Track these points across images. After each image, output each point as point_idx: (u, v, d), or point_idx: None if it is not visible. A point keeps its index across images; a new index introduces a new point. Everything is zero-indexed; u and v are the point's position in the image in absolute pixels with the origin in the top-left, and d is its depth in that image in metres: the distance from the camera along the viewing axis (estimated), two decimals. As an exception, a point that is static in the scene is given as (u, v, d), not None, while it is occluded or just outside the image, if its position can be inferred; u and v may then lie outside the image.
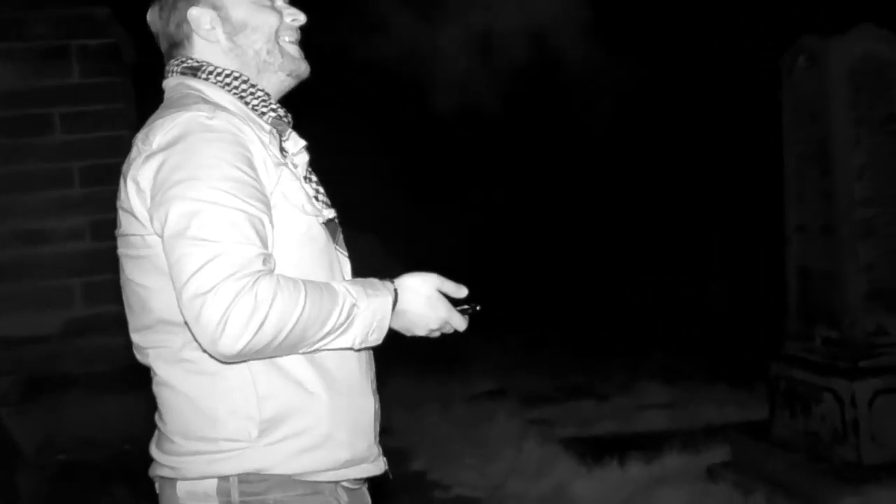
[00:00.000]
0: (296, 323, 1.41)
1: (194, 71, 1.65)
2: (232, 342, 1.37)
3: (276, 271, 1.46)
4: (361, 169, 9.02)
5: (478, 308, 1.65)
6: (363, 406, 1.63)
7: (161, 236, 1.47)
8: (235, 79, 1.64)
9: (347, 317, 1.48)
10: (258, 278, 1.39)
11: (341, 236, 1.68)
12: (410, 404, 5.85)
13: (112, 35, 5.17)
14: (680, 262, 8.71)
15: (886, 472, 3.67)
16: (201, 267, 1.38)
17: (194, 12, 1.64)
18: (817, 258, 4.17)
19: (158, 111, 1.60)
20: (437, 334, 1.65)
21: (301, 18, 1.73)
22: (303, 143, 1.68)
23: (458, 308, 1.63)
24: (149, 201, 1.50)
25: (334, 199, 1.65)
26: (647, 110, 9.07)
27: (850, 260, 3.97)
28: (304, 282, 1.46)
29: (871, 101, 4.05)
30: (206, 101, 1.57)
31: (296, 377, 1.53)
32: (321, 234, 1.60)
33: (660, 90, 8.97)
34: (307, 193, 1.61)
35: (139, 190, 1.51)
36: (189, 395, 1.54)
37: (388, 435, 6.42)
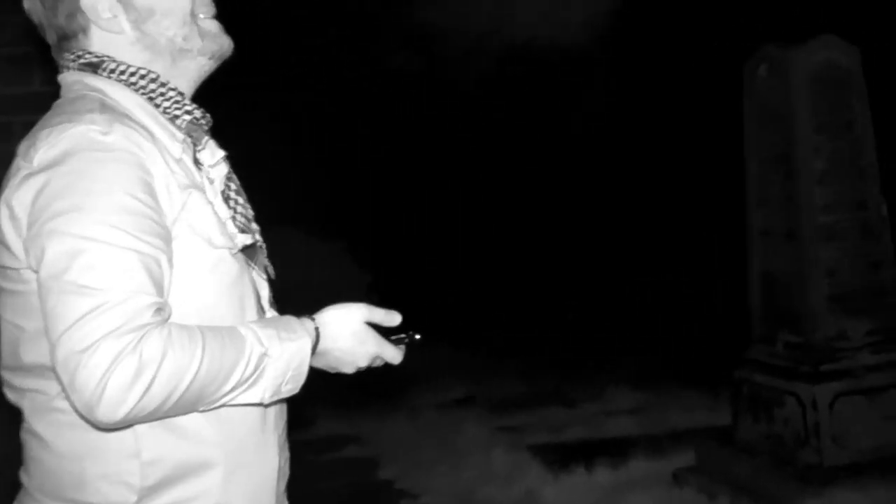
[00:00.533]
0: (191, 382, 1.21)
1: (94, 67, 1.41)
2: (111, 409, 1.16)
3: (174, 315, 1.26)
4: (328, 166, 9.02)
5: (417, 337, 1.50)
6: (266, 467, 1.43)
7: (37, 274, 1.24)
8: (142, 77, 1.40)
9: (255, 369, 1.27)
10: (145, 333, 1.18)
11: (263, 256, 1.50)
12: (379, 412, 5.85)
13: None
14: (647, 267, 8.78)
15: (847, 473, 3.74)
16: (78, 320, 1.16)
17: (88, 1, 1.40)
18: (780, 263, 4.23)
19: (47, 116, 1.38)
20: (366, 368, 1.49)
21: None
22: (221, 153, 1.46)
23: (394, 337, 1.48)
24: (24, 230, 1.26)
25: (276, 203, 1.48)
26: (610, 114, 9.16)
27: (812, 264, 4.04)
28: (204, 331, 1.25)
29: (830, 108, 4.13)
30: (104, 105, 1.34)
31: (189, 436, 1.31)
32: (231, 267, 1.38)
33: (624, 94, 9.06)
34: (219, 219, 1.38)
35: (13, 216, 1.27)
36: (59, 450, 1.32)
37: (358, 443, 6.40)
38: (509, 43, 7.21)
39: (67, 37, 1.44)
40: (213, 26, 1.47)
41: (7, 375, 1.39)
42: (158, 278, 1.25)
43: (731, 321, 5.49)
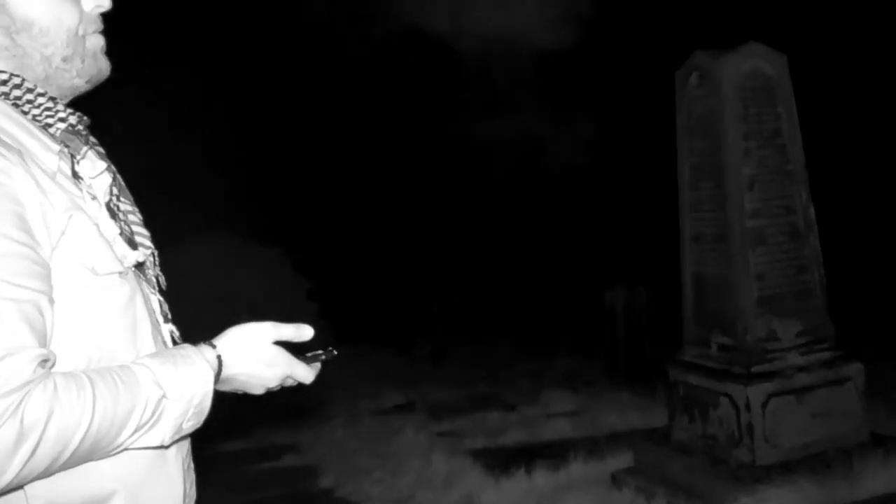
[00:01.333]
0: (82, 439, 1.09)
1: None
2: None
3: (58, 352, 1.14)
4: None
5: (334, 352, 1.42)
6: (171, 495, 1.32)
7: None
8: (4, 83, 1.23)
9: (153, 413, 1.16)
10: (26, 393, 1.04)
11: (154, 267, 1.39)
12: (318, 420, 5.80)
13: None
14: (581, 270, 8.90)
15: (779, 471, 3.83)
16: None
17: None
18: (711, 266, 4.31)
19: None
20: (278, 388, 1.39)
21: (105, 4, 1.32)
22: (103, 165, 1.30)
23: (310, 354, 1.40)
24: None
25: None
26: (547, 121, 9.25)
27: (742, 268, 4.13)
28: (94, 379, 1.12)
29: (758, 115, 4.23)
30: None
31: (83, 473, 1.17)
32: (121, 292, 1.25)
33: (560, 101, 9.16)
34: (106, 240, 1.24)
35: None
36: None
37: (296, 452, 6.32)
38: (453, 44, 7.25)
39: None
40: (97, 45, 1.31)
41: None
42: (40, 326, 1.11)
43: (665, 323, 5.60)
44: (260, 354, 1.32)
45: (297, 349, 1.38)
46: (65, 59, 1.27)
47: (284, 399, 1.54)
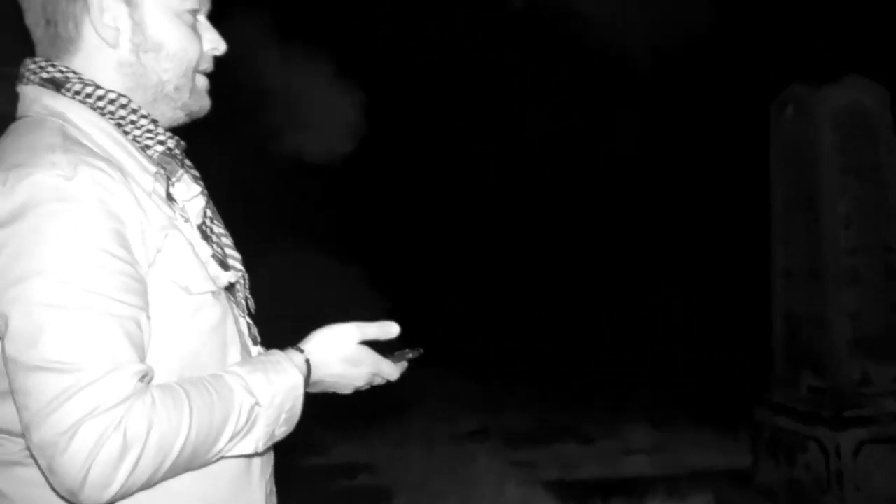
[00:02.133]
0: (181, 450, 1.12)
1: (56, 85, 1.23)
2: (96, 493, 1.07)
3: (153, 375, 1.16)
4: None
5: (421, 350, 1.45)
6: None
7: (1, 342, 1.11)
8: (112, 101, 1.24)
9: (247, 421, 1.19)
10: (129, 408, 1.08)
11: (245, 289, 1.40)
12: (394, 441, 5.81)
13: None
14: (667, 303, 8.73)
15: (870, 522, 3.66)
16: (53, 400, 1.05)
17: None
18: (803, 304, 4.17)
19: (1, 146, 1.20)
20: (367, 388, 1.42)
21: (222, 48, 1.37)
22: (197, 189, 1.33)
23: (396, 353, 1.42)
24: None
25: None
26: (640, 151, 9.16)
27: (836, 307, 3.98)
28: (189, 390, 1.15)
29: (857, 149, 4.10)
30: (66, 137, 1.18)
31: (167, 491, 1.18)
32: (213, 312, 1.26)
33: (653, 132, 9.07)
34: (200, 260, 1.26)
35: None
36: None
37: (371, 472, 6.35)
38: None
39: (49, 25, 1.24)
40: (204, 84, 1.35)
41: None
42: (139, 341, 1.14)
43: (752, 360, 5.44)
44: (346, 355, 1.34)
45: (383, 349, 1.39)
46: (176, 89, 1.30)
47: (362, 417, 1.54)
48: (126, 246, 1.14)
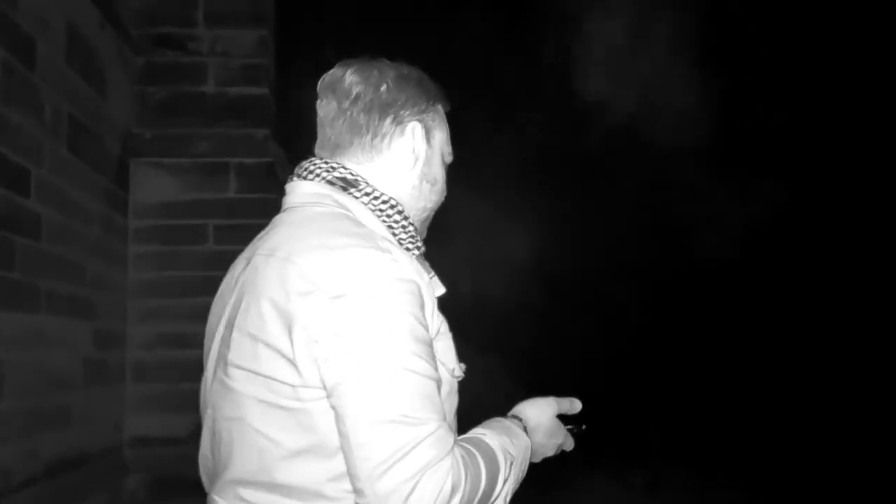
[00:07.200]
0: (480, 497, 1.31)
1: (347, 184, 1.48)
2: None
3: None
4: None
5: (584, 427, 1.65)
6: None
7: (329, 394, 1.27)
8: (392, 207, 1.49)
9: (507, 476, 1.39)
10: (453, 460, 1.26)
11: None
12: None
13: (269, 154, 5.48)
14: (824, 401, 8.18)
15: None
16: (399, 451, 1.21)
17: (419, 132, 1.55)
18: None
19: (307, 227, 1.40)
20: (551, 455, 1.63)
21: (449, 159, 1.67)
22: (442, 290, 1.53)
23: (568, 427, 1.63)
24: (316, 350, 1.27)
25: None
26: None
27: None
28: (474, 449, 1.35)
29: None
30: (361, 226, 1.41)
31: None
32: (456, 399, 1.47)
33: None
34: (454, 350, 1.46)
35: (309, 336, 1.28)
36: None
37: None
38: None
39: (367, 134, 1.51)
40: (443, 178, 1.64)
41: (240, 489, 1.36)
42: (441, 400, 1.33)
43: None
44: (547, 427, 1.57)
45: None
46: (431, 209, 1.63)
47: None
48: (426, 324, 1.34)
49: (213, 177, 5.41)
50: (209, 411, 1.48)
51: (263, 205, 5.46)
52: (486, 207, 7.48)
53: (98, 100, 4.78)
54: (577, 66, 7.42)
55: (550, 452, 1.59)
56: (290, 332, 1.27)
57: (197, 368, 5.98)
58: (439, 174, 1.61)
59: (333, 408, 1.26)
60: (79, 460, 4.39)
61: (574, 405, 1.62)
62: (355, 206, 1.46)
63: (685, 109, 7.06)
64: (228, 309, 1.46)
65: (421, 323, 1.30)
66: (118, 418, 5.07)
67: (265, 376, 1.31)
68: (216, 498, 1.42)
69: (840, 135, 8.28)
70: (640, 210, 8.84)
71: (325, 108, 1.54)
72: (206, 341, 1.61)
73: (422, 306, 1.32)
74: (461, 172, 1.87)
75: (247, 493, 1.34)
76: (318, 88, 1.56)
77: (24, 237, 3.81)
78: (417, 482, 1.19)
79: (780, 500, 6.89)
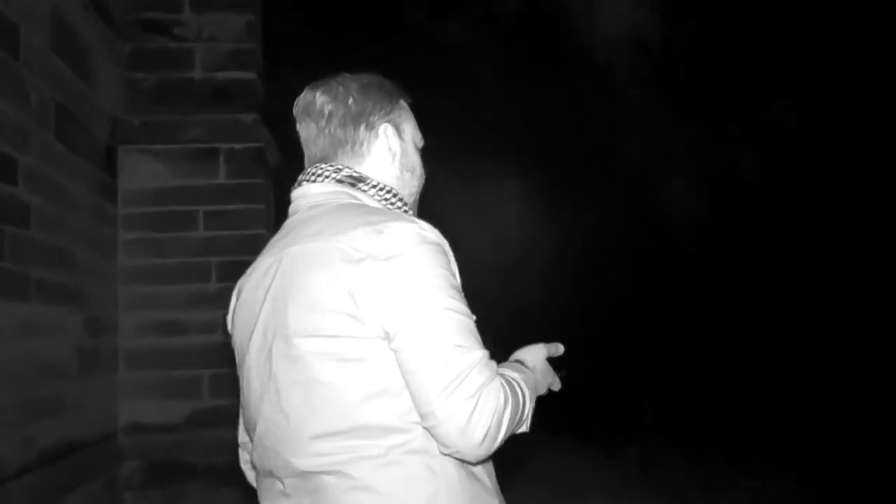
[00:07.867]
0: (512, 417, 1.56)
1: (355, 181, 1.77)
2: (491, 443, 1.51)
3: None
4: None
5: (564, 374, 1.91)
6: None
7: (391, 340, 1.53)
8: (395, 196, 1.79)
9: (524, 404, 1.64)
10: (502, 381, 1.55)
11: None
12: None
13: (258, 139, 5.46)
14: (818, 379, 8.24)
15: None
16: (462, 373, 1.49)
17: (390, 132, 1.82)
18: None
19: (347, 216, 1.65)
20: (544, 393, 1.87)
21: (420, 143, 1.93)
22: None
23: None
24: (377, 304, 1.53)
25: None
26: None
27: None
28: (507, 375, 1.64)
29: None
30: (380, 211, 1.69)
31: (481, 480, 1.63)
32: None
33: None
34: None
35: (368, 293, 1.54)
36: (398, 498, 1.54)
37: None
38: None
39: (352, 145, 1.79)
40: (420, 163, 1.91)
41: (317, 445, 1.57)
42: None
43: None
44: (541, 368, 1.82)
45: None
46: (417, 193, 1.89)
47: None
48: (456, 275, 1.63)
49: (203, 162, 5.39)
50: (271, 386, 1.63)
51: (254, 190, 5.45)
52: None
53: (85, 87, 4.75)
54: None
55: (543, 390, 1.82)
56: (351, 294, 1.53)
57: (189, 354, 5.95)
58: (416, 161, 1.88)
59: (396, 351, 1.52)
60: (73, 448, 4.40)
61: (558, 349, 1.89)
62: (366, 198, 1.75)
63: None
64: (269, 297, 1.66)
65: (453, 274, 1.59)
66: (112, 405, 5.08)
67: (332, 336, 1.55)
68: (292, 461, 1.59)
69: (840, 135, 8.27)
70: (632, 193, 8.83)
71: (306, 130, 1.83)
72: (238, 337, 1.79)
73: (450, 262, 1.61)
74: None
75: (325, 445, 1.56)
76: (294, 113, 1.84)
77: (13, 226, 3.80)
78: (479, 398, 1.48)
79: (775, 474, 6.95)
